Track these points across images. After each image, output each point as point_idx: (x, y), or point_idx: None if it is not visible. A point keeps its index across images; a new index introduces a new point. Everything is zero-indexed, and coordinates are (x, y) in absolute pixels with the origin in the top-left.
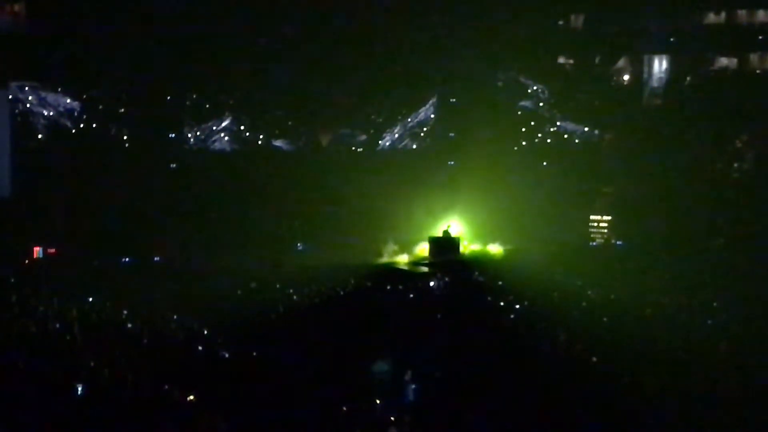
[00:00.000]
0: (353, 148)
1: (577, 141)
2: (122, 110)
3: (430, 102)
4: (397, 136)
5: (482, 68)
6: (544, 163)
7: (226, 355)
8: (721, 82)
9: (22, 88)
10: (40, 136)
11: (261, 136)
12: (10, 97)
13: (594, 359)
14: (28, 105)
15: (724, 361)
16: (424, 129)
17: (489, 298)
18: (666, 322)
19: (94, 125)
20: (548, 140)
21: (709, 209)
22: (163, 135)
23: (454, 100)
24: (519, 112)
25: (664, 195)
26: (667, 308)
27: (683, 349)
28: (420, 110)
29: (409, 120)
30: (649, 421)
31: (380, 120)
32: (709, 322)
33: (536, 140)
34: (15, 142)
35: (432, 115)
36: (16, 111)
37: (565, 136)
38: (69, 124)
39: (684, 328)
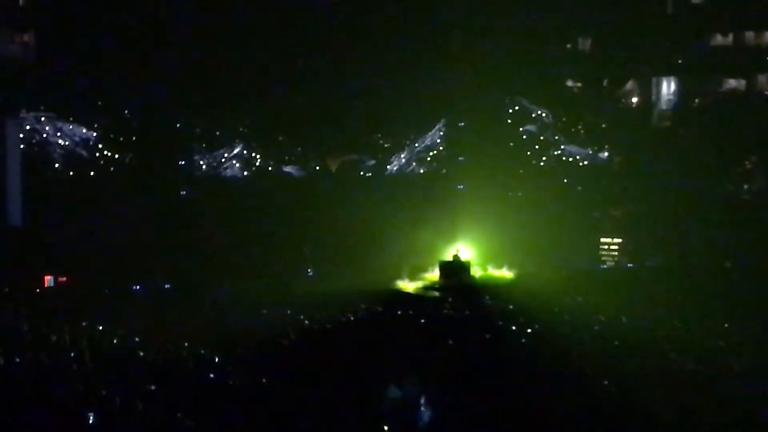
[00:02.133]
0: (362, 173)
1: (586, 164)
2: (134, 138)
3: (437, 127)
4: (404, 160)
5: (490, 93)
6: (554, 187)
7: (238, 383)
8: (729, 104)
9: (37, 119)
10: (51, 164)
11: (271, 163)
12: (28, 127)
13: (606, 382)
14: (44, 135)
15: (737, 382)
16: (431, 153)
17: (500, 322)
18: (678, 344)
19: (106, 153)
20: (557, 164)
21: (720, 231)
22: (175, 163)
23: (462, 124)
24: (528, 136)
25: (674, 217)
26: (679, 330)
27: (696, 370)
28: (427, 135)
29: (417, 145)
30: None
31: (388, 145)
32: (721, 343)
33: (545, 164)
34: (27, 171)
35: (438, 140)
36: (33, 141)
37: (571, 159)
38: (80, 152)
39: (696, 350)
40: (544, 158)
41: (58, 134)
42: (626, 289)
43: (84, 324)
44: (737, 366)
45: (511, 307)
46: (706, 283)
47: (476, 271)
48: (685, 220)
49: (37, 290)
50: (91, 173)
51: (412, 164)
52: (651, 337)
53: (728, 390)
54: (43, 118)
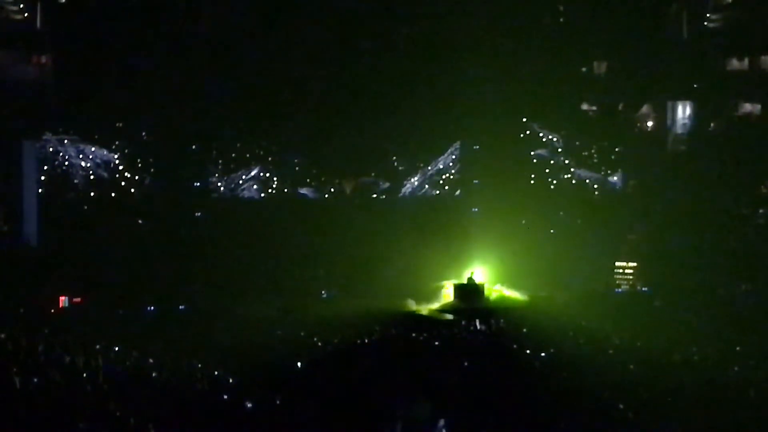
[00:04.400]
0: (376, 195)
1: (601, 187)
2: (150, 160)
3: (449, 150)
4: (418, 183)
5: (505, 116)
6: (569, 210)
7: (250, 405)
8: (744, 128)
9: (60, 141)
10: (73, 186)
11: (287, 185)
12: (51, 149)
13: (621, 406)
14: (65, 157)
15: (752, 408)
16: (445, 176)
17: (514, 345)
18: (693, 369)
19: (125, 174)
20: (572, 187)
21: (735, 255)
22: (192, 185)
23: (476, 147)
24: (542, 160)
25: (689, 241)
26: (694, 355)
27: (710, 396)
28: (440, 158)
29: (430, 168)
30: None
31: (402, 167)
32: (736, 368)
33: (560, 187)
34: (44, 193)
35: (452, 163)
36: (56, 163)
37: (586, 182)
38: (100, 174)
39: (711, 375)
40: (557, 182)
41: (80, 156)
42: (641, 312)
43: (98, 345)
44: (752, 390)
45: (525, 330)
46: (722, 307)
47: (490, 294)
48: (700, 244)
49: (52, 311)
50: (112, 194)
51: (425, 186)
52: (666, 361)
53: (743, 414)
54: (66, 141)
